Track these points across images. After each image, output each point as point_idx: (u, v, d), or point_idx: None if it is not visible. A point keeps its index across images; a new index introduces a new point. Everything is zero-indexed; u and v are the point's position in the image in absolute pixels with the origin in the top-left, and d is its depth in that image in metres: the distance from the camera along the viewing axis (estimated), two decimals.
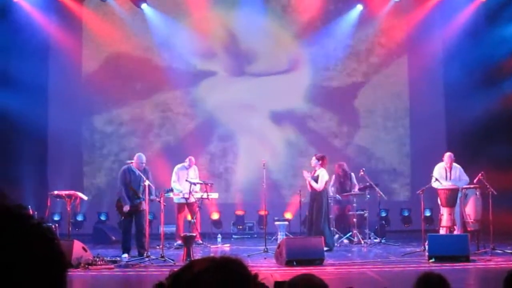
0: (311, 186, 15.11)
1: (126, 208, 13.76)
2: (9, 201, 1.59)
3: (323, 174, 15.07)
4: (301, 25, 20.31)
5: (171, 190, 15.20)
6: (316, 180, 15.00)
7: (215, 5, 20.14)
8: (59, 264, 1.60)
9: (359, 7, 19.98)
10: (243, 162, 19.99)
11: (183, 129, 20.15)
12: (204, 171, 18.45)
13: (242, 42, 20.34)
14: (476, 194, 14.02)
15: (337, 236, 16.35)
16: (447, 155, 15.07)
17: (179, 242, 15.19)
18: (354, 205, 16.68)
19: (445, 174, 14.84)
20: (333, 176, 17.02)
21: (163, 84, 20.16)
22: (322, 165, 15.19)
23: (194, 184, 16.01)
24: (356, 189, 16.96)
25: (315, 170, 15.20)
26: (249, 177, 19.28)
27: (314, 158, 15.46)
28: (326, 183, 15.22)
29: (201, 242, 16.20)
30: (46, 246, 1.57)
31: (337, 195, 16.81)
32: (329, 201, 16.35)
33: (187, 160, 16.69)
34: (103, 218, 19.11)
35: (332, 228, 16.14)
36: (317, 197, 15.06)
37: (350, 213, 16.80)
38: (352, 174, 17.28)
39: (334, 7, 20.31)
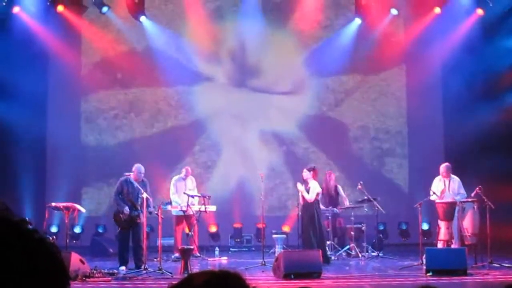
0: (303, 198, 15.11)
1: (126, 210, 13.73)
2: (12, 216, 1.60)
3: (314, 186, 15.08)
4: (300, 41, 20.41)
5: (170, 203, 15.21)
6: (308, 192, 15.03)
7: (216, 18, 20.22)
8: (62, 278, 1.62)
9: (358, 21, 20.02)
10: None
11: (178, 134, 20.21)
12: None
13: (245, 55, 20.43)
14: (473, 207, 14.03)
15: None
16: (443, 166, 15.07)
17: (177, 254, 15.17)
18: (352, 218, 16.69)
19: (443, 186, 14.83)
20: (320, 189, 17.08)
21: (163, 96, 20.24)
22: (313, 177, 15.22)
23: (192, 196, 16.00)
24: (346, 203, 17.02)
25: (308, 183, 15.21)
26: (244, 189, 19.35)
27: (305, 170, 15.43)
28: (318, 194, 15.22)
29: (198, 255, 16.17)
30: (50, 261, 1.59)
31: (334, 209, 16.81)
32: (327, 214, 16.39)
33: (183, 170, 16.70)
34: (100, 230, 19.11)
35: (328, 242, 16.14)
36: (308, 208, 15.05)
37: (348, 226, 16.82)
38: (339, 186, 17.33)
39: (333, 21, 20.40)
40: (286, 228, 18.74)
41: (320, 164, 18.22)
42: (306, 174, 15.31)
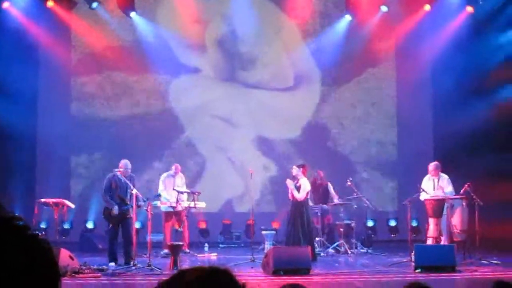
0: (292, 195, 15.08)
1: (115, 210, 13.72)
2: (4, 212, 1.61)
3: (305, 184, 15.01)
4: (289, 38, 20.43)
5: (159, 195, 15.16)
6: (298, 189, 15.01)
7: (208, 13, 20.20)
8: (54, 274, 1.63)
9: (348, 18, 20.03)
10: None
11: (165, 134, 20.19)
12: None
13: (238, 46, 20.45)
14: (462, 204, 14.09)
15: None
16: (431, 165, 15.12)
17: (166, 250, 15.16)
18: (341, 215, 16.73)
19: (432, 185, 14.88)
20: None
21: (153, 91, 20.22)
22: (303, 173, 15.18)
23: (181, 192, 16.00)
24: (335, 200, 17.04)
25: (298, 180, 15.18)
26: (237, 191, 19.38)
27: (294, 167, 15.38)
28: (308, 193, 15.18)
29: (188, 251, 16.19)
30: (42, 257, 1.60)
31: (324, 205, 16.84)
32: (316, 211, 16.42)
33: (172, 167, 16.72)
34: (90, 226, 19.09)
35: (318, 238, 16.17)
36: (297, 206, 15.03)
37: (337, 222, 16.84)
38: (329, 184, 17.32)
39: (322, 17, 20.39)
40: (275, 225, 18.74)
41: (309, 162, 18.23)
42: (295, 170, 15.27)
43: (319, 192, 17.15)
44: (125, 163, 14.10)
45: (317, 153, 19.93)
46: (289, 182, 15.19)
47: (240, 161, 19.94)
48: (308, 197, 15.49)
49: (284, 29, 20.46)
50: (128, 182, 13.75)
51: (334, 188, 17.33)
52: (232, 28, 20.26)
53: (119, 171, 13.99)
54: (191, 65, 20.30)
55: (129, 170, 14.08)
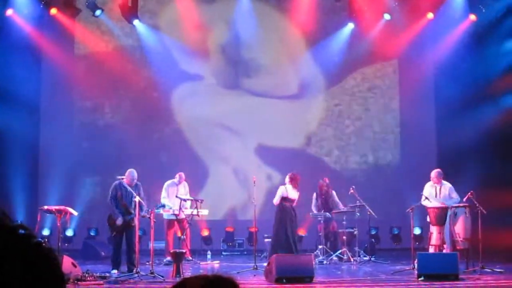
0: None
1: (119, 221, 13.70)
2: (9, 221, 1.61)
3: (280, 190, 15.59)
4: (291, 45, 20.44)
5: (163, 205, 15.18)
6: None
7: (211, 21, 20.23)
8: (59, 283, 1.63)
9: (351, 26, 20.04)
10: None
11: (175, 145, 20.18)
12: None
13: (241, 53, 20.48)
14: (465, 213, 14.03)
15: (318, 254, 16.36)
16: (434, 172, 15.10)
17: (169, 258, 15.15)
18: (344, 222, 16.68)
19: (434, 192, 14.87)
20: (314, 194, 17.10)
21: (157, 99, 20.23)
22: (290, 182, 15.61)
23: (185, 200, 15.99)
24: (340, 207, 17.01)
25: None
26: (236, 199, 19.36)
27: (287, 176, 15.86)
28: (284, 198, 15.45)
29: (190, 258, 16.16)
30: (48, 266, 1.60)
31: (327, 213, 16.80)
32: (319, 219, 16.42)
33: (177, 176, 16.64)
34: (93, 233, 19.11)
35: (320, 246, 16.18)
36: (277, 211, 15.63)
37: (340, 230, 16.80)
38: (334, 192, 17.30)
39: (325, 25, 20.38)
40: None
41: (312, 170, 18.23)
42: (287, 179, 15.70)
43: (323, 199, 17.12)
44: (131, 172, 14.00)
45: (320, 161, 19.96)
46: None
47: (243, 169, 19.91)
48: (315, 204, 15.67)
49: (288, 36, 20.45)
50: (133, 191, 13.71)
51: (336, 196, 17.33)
52: (235, 35, 20.27)
53: (124, 178, 13.95)
54: (193, 72, 20.30)
55: (135, 180, 14.01)
